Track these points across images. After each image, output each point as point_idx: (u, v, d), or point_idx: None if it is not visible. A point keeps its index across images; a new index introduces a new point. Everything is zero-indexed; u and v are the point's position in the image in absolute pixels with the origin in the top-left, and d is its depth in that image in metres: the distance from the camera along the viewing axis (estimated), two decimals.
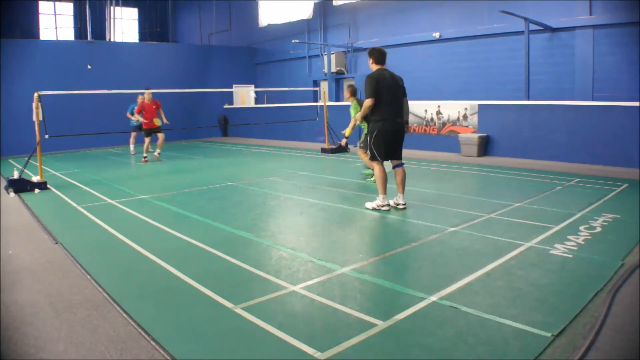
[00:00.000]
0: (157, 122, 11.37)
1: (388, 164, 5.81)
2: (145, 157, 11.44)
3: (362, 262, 3.92)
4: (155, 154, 11.71)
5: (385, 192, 5.62)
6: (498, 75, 12.19)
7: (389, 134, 5.49)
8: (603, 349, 2.51)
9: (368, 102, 5.37)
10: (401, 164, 5.75)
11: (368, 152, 5.68)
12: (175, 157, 12.37)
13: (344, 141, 7.52)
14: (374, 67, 5.59)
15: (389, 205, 5.65)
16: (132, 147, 13.31)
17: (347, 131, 6.94)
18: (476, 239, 4.52)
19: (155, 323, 2.91)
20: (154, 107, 11.34)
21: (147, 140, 11.45)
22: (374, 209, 5.65)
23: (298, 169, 9.30)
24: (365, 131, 7.13)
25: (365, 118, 5.72)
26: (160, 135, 11.53)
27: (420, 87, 14.15)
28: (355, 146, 13.55)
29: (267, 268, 3.84)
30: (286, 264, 4.00)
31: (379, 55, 5.57)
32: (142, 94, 11.50)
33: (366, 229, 5.04)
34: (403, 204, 5.76)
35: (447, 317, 2.91)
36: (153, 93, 11.53)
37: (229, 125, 19.05)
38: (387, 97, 5.42)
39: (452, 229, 4.86)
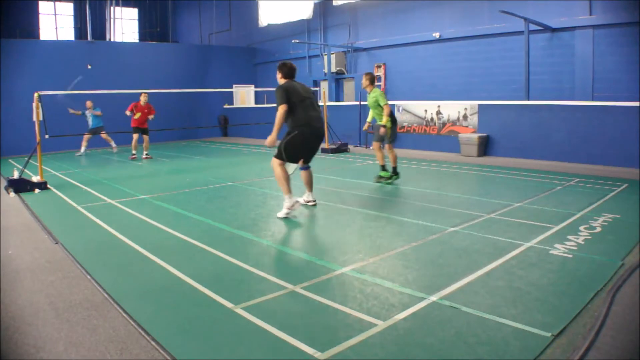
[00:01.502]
0: (137, 115, 11.89)
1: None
2: (134, 155, 12.04)
3: (362, 262, 3.92)
4: (144, 155, 12.21)
5: (289, 191, 5.44)
6: (498, 75, 12.19)
7: (311, 138, 5.55)
8: (603, 349, 2.51)
9: (281, 109, 5.35)
10: (308, 167, 5.90)
11: (280, 154, 5.51)
12: (175, 157, 12.37)
13: (382, 130, 7.23)
14: (282, 81, 5.64)
15: (298, 201, 5.54)
16: (83, 148, 13.54)
17: (384, 120, 7.13)
18: (476, 239, 4.52)
19: (155, 323, 2.91)
20: (146, 111, 11.88)
21: (135, 137, 11.98)
22: (286, 215, 5.44)
23: (298, 169, 9.28)
24: (388, 125, 7.23)
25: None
26: (146, 137, 12.16)
27: (420, 87, 14.17)
28: (356, 146, 13.56)
29: (267, 268, 3.84)
30: (286, 264, 4.00)
31: (287, 70, 5.63)
32: (140, 94, 12.04)
33: (366, 229, 5.04)
34: (314, 201, 6.03)
35: (447, 317, 2.91)
36: (153, 93, 11.71)
37: (229, 125, 19.05)
38: (302, 104, 5.48)
39: (452, 229, 4.86)
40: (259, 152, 13.49)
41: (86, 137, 13.26)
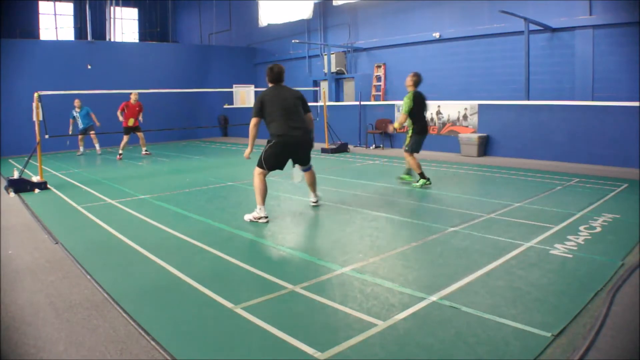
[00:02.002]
0: (131, 122, 12.18)
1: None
2: (120, 155, 12.21)
3: (362, 262, 3.92)
4: (143, 152, 12.75)
5: (263, 203, 5.37)
6: (498, 75, 12.18)
7: (291, 147, 5.47)
8: (603, 349, 2.51)
9: (252, 122, 5.44)
10: (309, 168, 5.88)
11: (260, 162, 5.49)
12: (175, 157, 12.37)
13: (390, 127, 7.28)
14: (269, 85, 5.58)
15: (266, 217, 5.38)
16: (81, 148, 13.34)
17: (397, 124, 7.10)
18: (476, 239, 4.52)
19: (155, 323, 2.91)
20: (137, 109, 12.20)
21: (125, 138, 12.26)
22: (250, 221, 5.35)
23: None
24: (409, 133, 7.05)
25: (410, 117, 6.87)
26: (140, 134, 12.50)
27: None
28: (356, 146, 13.56)
29: (267, 268, 3.84)
30: (286, 264, 4.00)
31: (273, 75, 5.50)
32: (130, 93, 12.34)
33: (366, 229, 5.04)
34: (315, 201, 6.11)
35: (447, 317, 2.91)
36: (153, 93, 11.80)
37: (229, 125, 19.05)
38: (282, 113, 5.36)
39: (452, 229, 4.86)
40: (259, 152, 13.47)
41: (80, 137, 13.15)
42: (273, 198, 6.69)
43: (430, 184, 7.06)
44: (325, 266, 3.85)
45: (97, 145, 13.35)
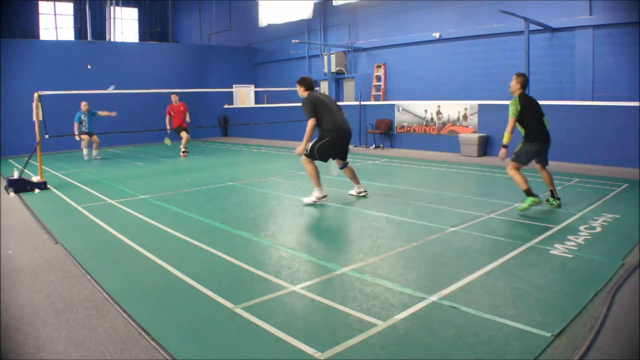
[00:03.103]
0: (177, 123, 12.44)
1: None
2: (184, 151, 12.50)
3: (362, 262, 3.92)
4: (182, 151, 12.63)
5: (320, 184, 6.17)
6: (498, 75, 12.17)
7: (342, 141, 6.22)
8: (603, 349, 2.51)
9: (311, 122, 6.06)
10: (346, 164, 6.48)
11: (308, 152, 6.14)
12: (175, 157, 12.37)
13: (502, 152, 5.65)
14: (305, 93, 6.25)
15: (326, 196, 6.24)
16: (85, 150, 12.56)
17: (505, 136, 5.60)
18: (476, 239, 4.52)
19: (155, 323, 2.91)
20: (181, 109, 12.44)
21: (184, 134, 12.48)
22: (314, 203, 6.13)
23: (298, 169, 9.28)
24: (523, 140, 5.73)
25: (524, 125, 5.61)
26: (184, 134, 12.53)
27: (420, 87, 14.16)
28: (356, 146, 13.55)
29: (267, 268, 3.84)
30: (286, 264, 4.00)
31: (308, 83, 6.31)
32: (171, 95, 12.55)
33: (366, 229, 5.04)
34: (365, 191, 6.61)
35: (447, 317, 2.91)
36: (154, 93, 11.82)
37: (229, 125, 19.05)
38: (329, 112, 6.10)
39: (452, 229, 4.86)
40: (259, 152, 13.49)
41: (85, 142, 12.38)
42: (273, 198, 6.69)
43: (540, 202, 5.54)
44: (325, 266, 3.85)
45: (95, 151, 12.61)
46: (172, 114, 12.37)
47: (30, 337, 2.77)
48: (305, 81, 6.33)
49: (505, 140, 5.61)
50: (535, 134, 5.65)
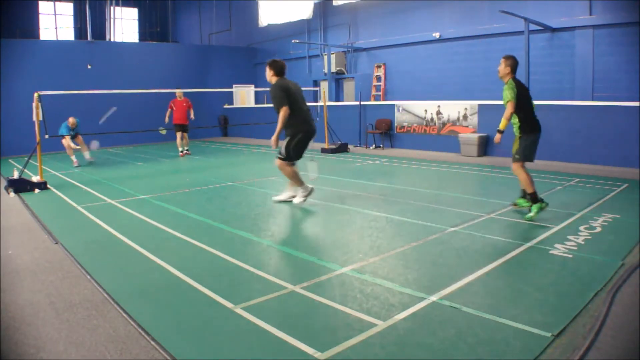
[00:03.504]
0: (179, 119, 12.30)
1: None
2: (183, 151, 12.48)
3: (362, 262, 3.92)
4: (185, 151, 12.64)
5: (303, 182, 5.98)
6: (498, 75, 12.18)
7: (309, 137, 5.85)
8: (603, 349, 2.51)
9: (284, 111, 5.57)
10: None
11: (283, 153, 5.80)
12: (175, 157, 12.37)
13: (497, 137, 5.26)
14: (274, 79, 5.78)
15: (313, 188, 6.04)
16: (73, 157, 11.16)
17: (502, 122, 5.17)
18: (476, 239, 4.52)
19: (155, 323, 2.91)
20: (184, 104, 12.31)
21: (178, 135, 12.44)
22: (304, 200, 5.97)
23: (298, 169, 9.28)
24: (518, 134, 5.29)
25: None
26: (185, 135, 12.54)
27: (420, 87, 14.15)
28: (356, 146, 13.55)
29: (267, 268, 3.84)
30: (286, 264, 4.00)
31: (279, 67, 5.81)
32: (174, 93, 12.48)
33: (366, 229, 5.04)
34: (294, 196, 6.24)
35: (447, 317, 2.91)
36: (154, 93, 11.78)
37: (229, 125, 19.05)
38: (299, 104, 5.74)
39: (452, 229, 4.85)
40: (259, 152, 13.49)
41: (71, 149, 11.11)
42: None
43: (546, 206, 5.16)
44: (325, 266, 3.85)
45: (86, 154, 11.35)
46: (174, 108, 12.31)
47: (30, 337, 2.77)
48: (276, 64, 5.78)
49: (502, 125, 5.15)
50: (531, 123, 5.25)
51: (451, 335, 2.69)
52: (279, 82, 5.69)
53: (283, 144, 5.83)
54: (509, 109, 5.12)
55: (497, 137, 5.28)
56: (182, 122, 12.37)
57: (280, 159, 5.84)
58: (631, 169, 8.37)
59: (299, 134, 5.71)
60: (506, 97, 5.15)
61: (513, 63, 5.23)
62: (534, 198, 5.10)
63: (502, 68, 5.27)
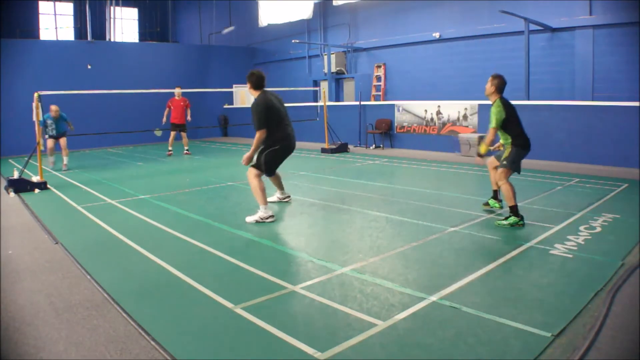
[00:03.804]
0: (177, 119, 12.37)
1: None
2: (170, 151, 12.53)
3: (362, 262, 3.92)
4: (185, 151, 12.73)
5: (266, 202, 5.40)
6: None
7: (285, 153, 5.65)
8: (603, 349, 2.51)
9: (261, 134, 5.28)
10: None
11: (255, 162, 5.45)
12: (176, 157, 12.37)
13: (478, 160, 5.43)
14: (255, 93, 5.43)
15: (273, 216, 5.43)
16: (51, 158, 10.36)
17: (482, 147, 5.21)
18: (476, 239, 4.52)
19: (155, 323, 2.91)
20: (181, 104, 12.30)
21: (172, 134, 12.43)
22: (257, 222, 5.31)
23: (298, 169, 9.29)
24: (509, 145, 5.19)
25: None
26: (183, 134, 12.62)
27: (420, 87, 14.15)
28: (356, 146, 13.55)
29: (267, 268, 3.84)
30: (286, 264, 4.00)
31: (256, 79, 5.41)
32: (173, 93, 12.49)
33: (366, 229, 5.04)
34: (288, 196, 6.31)
35: (447, 317, 2.91)
36: (154, 93, 11.80)
37: (229, 125, 19.05)
38: (279, 119, 5.44)
39: (452, 229, 4.85)
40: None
41: (51, 146, 10.12)
42: (272, 198, 6.68)
43: (522, 224, 4.91)
44: (325, 266, 3.85)
45: (65, 159, 10.40)
46: (172, 107, 12.35)
47: (30, 337, 2.77)
48: (253, 77, 5.37)
49: (483, 150, 5.20)
50: (523, 138, 5.20)
51: (451, 335, 2.69)
52: (261, 98, 5.34)
53: (259, 154, 5.56)
54: (491, 135, 5.13)
55: (478, 159, 5.40)
56: (178, 121, 12.39)
57: (252, 166, 5.48)
58: (631, 169, 8.37)
59: (277, 145, 5.44)
60: (491, 122, 5.11)
61: (499, 83, 5.20)
62: (514, 211, 4.93)
63: (488, 87, 5.25)
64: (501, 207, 5.50)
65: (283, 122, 5.50)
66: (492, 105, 5.17)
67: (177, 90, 12.34)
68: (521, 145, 5.15)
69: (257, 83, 5.41)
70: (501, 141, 5.30)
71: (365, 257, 4.07)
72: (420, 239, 4.56)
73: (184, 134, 12.73)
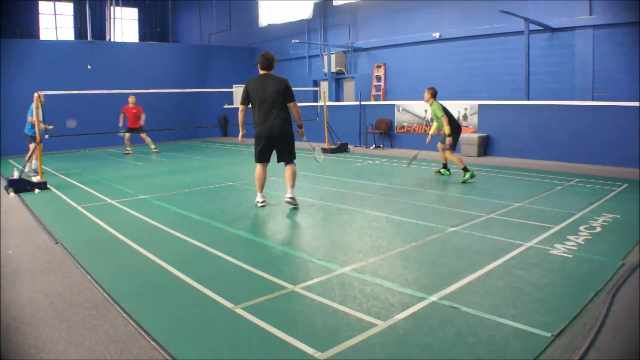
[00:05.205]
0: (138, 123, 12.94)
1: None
2: (128, 150, 13.16)
3: (362, 262, 3.92)
4: (152, 150, 13.29)
5: (260, 190, 6.03)
6: (498, 75, 12.18)
7: (261, 139, 5.78)
8: (603, 349, 2.51)
9: (240, 109, 5.85)
10: (288, 163, 5.94)
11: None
12: (175, 157, 12.37)
13: (448, 140, 7.65)
14: (260, 72, 5.83)
15: (264, 202, 6.04)
16: (34, 162, 9.43)
17: (447, 130, 7.59)
18: (476, 239, 4.52)
19: (155, 323, 2.91)
20: (134, 111, 12.78)
21: (127, 135, 12.98)
22: (255, 206, 6.00)
23: (298, 169, 9.27)
24: (448, 133, 7.59)
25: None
26: (143, 135, 12.96)
27: (420, 87, 14.08)
28: (356, 146, 13.55)
29: (267, 268, 3.84)
30: (286, 264, 4.00)
31: (262, 61, 5.76)
32: (129, 96, 12.82)
33: (366, 229, 5.04)
34: (290, 197, 5.91)
35: (447, 317, 2.91)
36: (154, 93, 11.90)
37: (229, 125, 19.05)
38: (257, 104, 5.69)
39: (452, 229, 4.86)
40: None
41: (32, 147, 9.10)
42: (272, 198, 6.68)
43: (474, 175, 7.61)
44: (325, 266, 3.85)
45: (34, 162, 9.40)
46: (126, 114, 12.86)
47: (30, 337, 2.77)
48: (264, 59, 5.76)
49: (448, 131, 7.56)
50: (457, 125, 7.83)
51: (451, 335, 2.69)
52: (250, 81, 5.79)
53: None
54: (447, 120, 7.60)
55: (449, 140, 7.64)
56: (132, 126, 12.92)
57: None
58: (631, 169, 8.37)
59: (255, 128, 5.81)
60: (440, 113, 7.67)
61: (434, 92, 7.91)
62: (466, 169, 7.53)
63: (427, 96, 7.91)
64: (450, 174, 8.17)
65: (263, 107, 5.66)
66: (432, 105, 7.84)
67: (131, 99, 12.77)
68: (454, 130, 7.69)
69: (264, 65, 5.78)
70: (444, 129, 7.75)
71: (365, 257, 4.07)
72: (420, 239, 4.56)
73: (143, 135, 13.03)
